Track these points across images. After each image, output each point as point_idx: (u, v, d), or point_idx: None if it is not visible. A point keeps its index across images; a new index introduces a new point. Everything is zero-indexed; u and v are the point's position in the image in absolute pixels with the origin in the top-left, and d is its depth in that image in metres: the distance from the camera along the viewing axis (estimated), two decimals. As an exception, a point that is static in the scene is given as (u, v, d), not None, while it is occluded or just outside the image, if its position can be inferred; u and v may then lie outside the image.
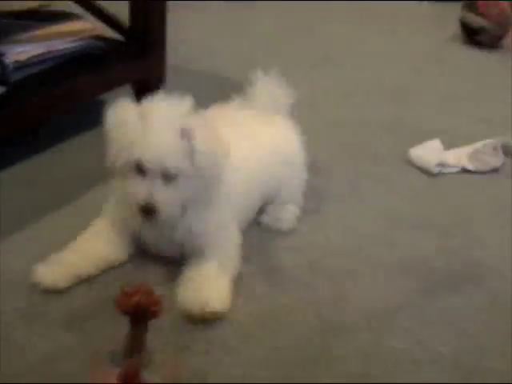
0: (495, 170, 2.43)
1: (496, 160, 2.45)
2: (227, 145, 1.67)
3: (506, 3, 3.82)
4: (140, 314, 1.33)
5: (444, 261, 1.92)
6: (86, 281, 1.68)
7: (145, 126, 1.59)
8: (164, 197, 1.59)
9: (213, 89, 2.03)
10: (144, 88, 2.50)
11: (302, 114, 2.10)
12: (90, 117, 2.47)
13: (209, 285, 1.62)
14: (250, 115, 1.96)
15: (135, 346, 1.34)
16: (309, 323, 1.63)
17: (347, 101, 2.90)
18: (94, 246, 1.72)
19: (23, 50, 2.21)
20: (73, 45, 2.35)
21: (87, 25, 2.43)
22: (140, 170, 1.59)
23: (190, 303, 1.58)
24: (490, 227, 2.11)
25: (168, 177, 1.59)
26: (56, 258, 1.68)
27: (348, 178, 2.30)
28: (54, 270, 1.65)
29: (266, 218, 1.99)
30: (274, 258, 1.86)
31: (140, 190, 1.59)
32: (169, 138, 1.58)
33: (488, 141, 2.50)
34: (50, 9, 2.50)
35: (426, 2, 4.43)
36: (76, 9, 2.58)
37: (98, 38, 2.44)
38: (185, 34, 3.33)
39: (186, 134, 1.59)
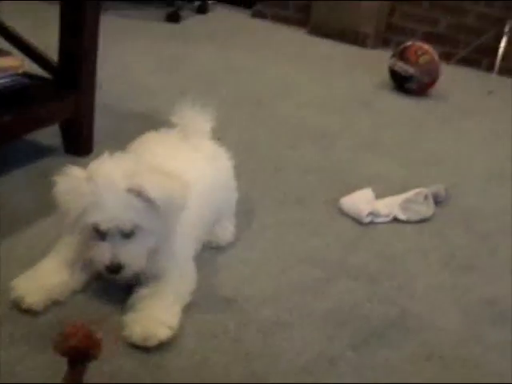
0: (425, 220, 2.43)
1: (427, 210, 2.45)
2: (181, 180, 1.69)
3: (435, 52, 3.90)
4: (78, 357, 1.27)
5: (374, 310, 1.90)
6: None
7: (94, 190, 1.60)
8: (128, 254, 1.63)
9: (142, 128, 1.98)
10: (72, 127, 2.44)
11: (231, 154, 2.10)
12: (17, 156, 2.41)
13: (156, 314, 1.64)
14: (180, 141, 1.98)
15: None
16: (237, 378, 1.57)
17: (276, 143, 2.90)
18: (59, 271, 1.73)
19: None
20: (0, 81, 2.27)
21: (15, 61, 2.35)
22: (98, 231, 1.62)
23: (134, 335, 1.60)
24: (418, 276, 2.10)
25: (127, 234, 1.62)
26: (33, 278, 1.70)
27: (273, 222, 2.27)
28: (34, 292, 1.67)
29: (209, 237, 2.03)
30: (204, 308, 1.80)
31: (103, 252, 1.62)
32: (119, 199, 1.60)
33: (419, 190, 2.51)
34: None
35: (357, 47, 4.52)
36: (2, 43, 2.50)
37: (26, 74, 2.36)
38: (114, 70, 3.28)
39: (136, 191, 1.60)
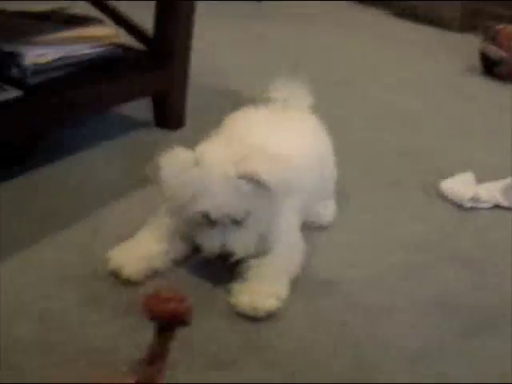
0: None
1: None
2: (291, 162, 1.64)
3: (527, 37, 3.76)
4: (172, 322, 1.20)
5: (481, 299, 1.80)
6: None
7: (204, 176, 1.56)
8: (239, 241, 1.59)
9: (231, 103, 1.92)
10: (164, 100, 2.39)
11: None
12: (108, 128, 2.38)
13: (265, 284, 1.60)
14: (278, 115, 1.92)
15: (159, 354, 1.21)
16: (346, 363, 1.50)
17: (367, 124, 2.82)
18: (158, 242, 1.68)
19: (42, 53, 2.08)
20: (93, 50, 2.22)
21: (109, 30, 2.31)
22: (207, 218, 1.57)
23: (242, 304, 1.56)
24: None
25: (237, 221, 1.58)
26: (131, 249, 1.66)
27: (370, 204, 2.20)
28: (132, 262, 1.62)
29: (309, 216, 1.93)
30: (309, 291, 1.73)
31: (213, 241, 1.59)
32: (230, 185, 1.55)
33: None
34: (70, 12, 2.39)
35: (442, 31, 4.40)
36: (97, 15, 2.47)
37: (120, 45, 2.32)
38: (201, 46, 3.23)
39: (248, 177, 1.55)
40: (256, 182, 1.55)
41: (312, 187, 1.85)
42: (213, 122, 1.87)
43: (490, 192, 2.29)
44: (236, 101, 1.97)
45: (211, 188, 1.54)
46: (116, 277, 1.61)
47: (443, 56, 4.03)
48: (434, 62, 3.92)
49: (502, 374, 1.55)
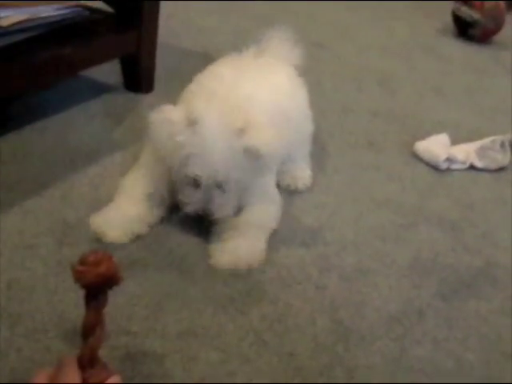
0: (503, 168, 2.30)
1: (504, 157, 2.32)
2: (285, 134, 1.65)
3: (501, -2, 3.73)
4: (103, 286, 1.11)
5: (459, 259, 1.78)
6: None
7: (198, 141, 1.53)
8: (220, 203, 1.59)
9: (202, 66, 1.86)
10: (133, 63, 2.33)
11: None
12: (77, 92, 2.32)
13: (243, 241, 1.61)
14: (263, 63, 1.90)
15: (97, 321, 1.15)
16: (323, 327, 1.47)
17: (340, 86, 2.77)
18: (137, 205, 1.66)
19: (6, 16, 2.00)
20: (59, 12, 2.14)
21: (75, -8, 2.23)
22: (196, 181, 1.57)
23: (223, 262, 1.57)
24: (500, 225, 1.99)
25: (223, 186, 1.58)
26: (112, 213, 1.63)
27: (345, 164, 2.16)
28: (115, 226, 1.60)
29: (285, 179, 1.94)
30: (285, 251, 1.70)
31: (197, 201, 1.59)
32: (225, 153, 1.53)
33: (496, 137, 2.36)
34: (33, -27, 2.30)
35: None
36: (62, -25, 2.38)
37: (86, 7, 2.24)
38: (171, 9, 3.16)
39: (248, 151, 1.54)
40: (253, 155, 1.54)
41: (290, 141, 1.80)
42: (186, 84, 1.81)
43: (465, 153, 2.26)
44: (208, 63, 1.90)
45: (208, 153, 1.53)
46: (100, 240, 1.58)
47: (418, 18, 3.99)
48: (408, 23, 3.87)
49: (481, 335, 1.53)
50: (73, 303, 1.39)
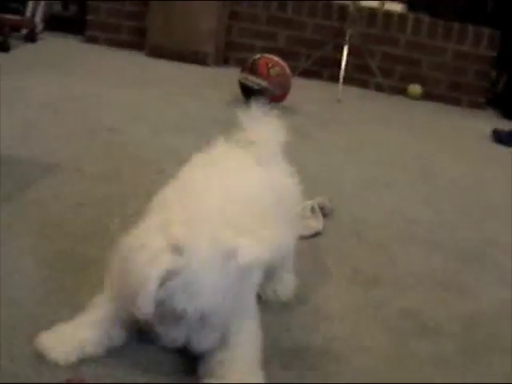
0: (318, 234, 2.26)
1: (317, 223, 2.29)
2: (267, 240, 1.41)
3: (285, 64, 3.81)
4: None
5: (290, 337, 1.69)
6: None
7: (187, 270, 1.32)
8: (204, 339, 1.40)
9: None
10: None
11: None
12: None
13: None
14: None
15: None
16: None
17: (142, 169, 2.63)
18: (97, 326, 1.48)
19: None
20: None
21: None
22: (179, 314, 1.35)
23: None
24: (330, 297, 1.91)
25: (208, 318, 1.37)
26: (63, 332, 1.46)
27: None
28: (62, 345, 1.43)
29: (266, 293, 1.78)
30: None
31: (177, 335, 1.39)
32: (215, 282, 1.34)
33: (304, 203, 2.32)
34: None
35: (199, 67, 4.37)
36: None
37: None
38: None
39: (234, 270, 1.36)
40: (248, 272, 1.40)
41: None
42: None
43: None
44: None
45: (198, 285, 1.33)
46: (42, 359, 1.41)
47: (206, 91, 3.99)
48: (199, 97, 3.86)
49: None
50: None
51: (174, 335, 1.40)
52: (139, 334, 1.51)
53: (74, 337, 1.45)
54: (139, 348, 1.52)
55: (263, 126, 1.80)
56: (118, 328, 1.50)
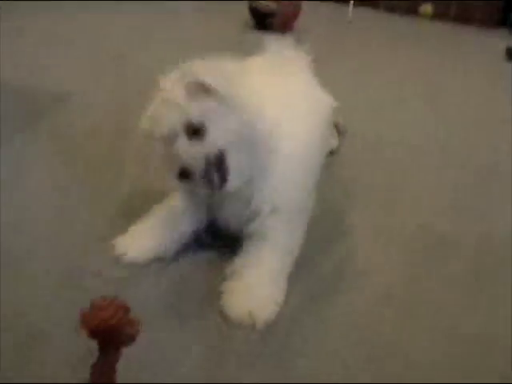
0: (334, 152, 2.26)
1: (333, 140, 2.27)
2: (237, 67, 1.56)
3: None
4: (110, 336, 0.99)
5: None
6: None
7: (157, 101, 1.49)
8: (190, 150, 1.42)
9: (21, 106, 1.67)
10: None
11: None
12: None
13: (256, 293, 1.48)
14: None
15: (102, 377, 1.00)
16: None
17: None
18: (169, 225, 1.63)
19: None
20: None
21: None
22: (169, 140, 1.44)
23: (234, 312, 1.45)
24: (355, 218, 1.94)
25: (197, 132, 1.43)
26: (136, 233, 1.63)
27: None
28: (137, 244, 1.60)
29: None
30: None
31: (177, 151, 1.43)
32: (178, 102, 1.45)
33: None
34: None
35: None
36: None
37: None
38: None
39: (193, 85, 1.47)
40: (204, 90, 1.45)
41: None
42: None
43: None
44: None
45: (161, 109, 1.46)
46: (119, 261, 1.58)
47: (216, 20, 3.97)
48: (210, 25, 3.85)
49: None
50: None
51: (176, 153, 1.43)
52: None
53: (146, 239, 1.60)
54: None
55: (288, 48, 1.87)
56: (186, 224, 1.62)
